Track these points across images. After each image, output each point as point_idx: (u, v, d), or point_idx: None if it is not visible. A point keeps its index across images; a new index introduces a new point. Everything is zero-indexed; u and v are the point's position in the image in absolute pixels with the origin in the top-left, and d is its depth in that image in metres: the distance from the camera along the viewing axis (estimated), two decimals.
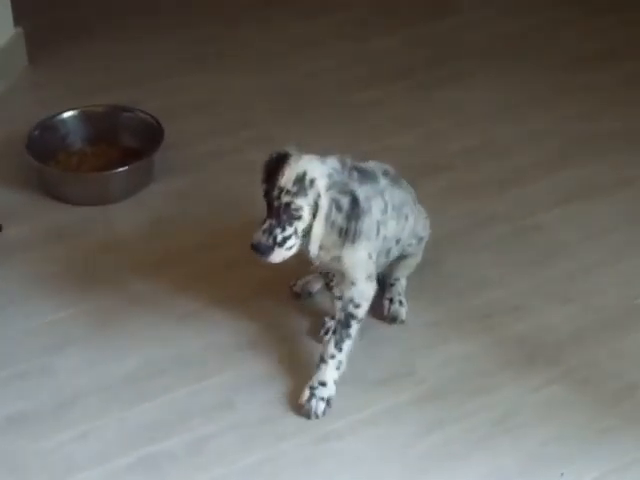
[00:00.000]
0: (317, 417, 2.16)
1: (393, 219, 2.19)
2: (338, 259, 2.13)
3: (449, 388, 2.24)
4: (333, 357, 2.19)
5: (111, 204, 2.79)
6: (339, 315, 2.21)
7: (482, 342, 2.35)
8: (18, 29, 3.35)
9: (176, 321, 2.41)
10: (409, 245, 2.35)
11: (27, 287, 2.51)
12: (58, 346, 2.34)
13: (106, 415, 2.18)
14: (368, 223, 2.08)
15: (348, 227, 2.02)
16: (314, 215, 2.01)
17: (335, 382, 2.19)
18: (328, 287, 2.38)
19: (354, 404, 2.20)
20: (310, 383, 2.19)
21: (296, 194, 2.00)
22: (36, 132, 2.87)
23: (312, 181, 2.00)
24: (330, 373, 2.19)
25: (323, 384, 2.18)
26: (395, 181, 2.24)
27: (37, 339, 2.37)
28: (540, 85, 3.34)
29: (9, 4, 3.28)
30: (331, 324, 2.31)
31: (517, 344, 2.35)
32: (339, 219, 2.01)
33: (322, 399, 2.17)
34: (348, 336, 2.19)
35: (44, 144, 2.87)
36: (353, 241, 2.05)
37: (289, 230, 2.01)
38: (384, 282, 2.40)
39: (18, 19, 3.34)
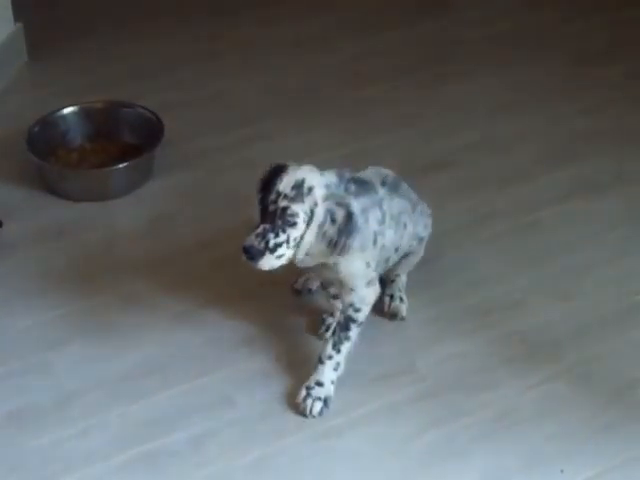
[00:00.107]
0: (313, 417, 2.16)
1: (391, 228, 2.19)
2: (327, 267, 2.12)
3: (449, 385, 2.24)
4: (331, 358, 2.19)
5: (111, 200, 2.79)
6: (339, 317, 2.21)
7: (482, 339, 2.35)
8: (18, 25, 3.34)
9: (175, 318, 2.41)
10: (410, 246, 2.36)
11: (27, 283, 2.51)
12: (57, 343, 2.34)
13: (105, 412, 2.18)
14: (362, 236, 2.08)
15: (338, 240, 2.02)
16: (307, 225, 2.01)
17: (333, 382, 2.19)
18: (323, 286, 2.38)
19: (353, 401, 2.20)
20: (307, 383, 2.19)
21: (293, 199, 2.00)
22: (36, 128, 2.87)
23: (310, 189, 2.01)
24: (327, 374, 2.19)
25: (320, 384, 2.18)
26: (394, 189, 2.24)
27: (37, 335, 2.37)
28: (540, 82, 3.33)
29: (9, 0, 3.28)
30: (331, 321, 2.31)
31: (517, 341, 2.35)
32: (331, 231, 2.01)
33: (319, 399, 2.17)
34: (347, 338, 2.19)
35: (44, 140, 2.86)
36: (340, 254, 2.05)
37: (282, 237, 2.01)
38: (384, 278, 2.40)
39: (18, 15, 3.33)
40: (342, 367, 2.20)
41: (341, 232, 2.02)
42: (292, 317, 2.42)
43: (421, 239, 2.39)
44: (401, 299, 2.41)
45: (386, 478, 2.06)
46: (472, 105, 3.22)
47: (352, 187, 2.08)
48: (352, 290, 2.16)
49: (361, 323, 2.20)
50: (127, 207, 2.78)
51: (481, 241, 2.64)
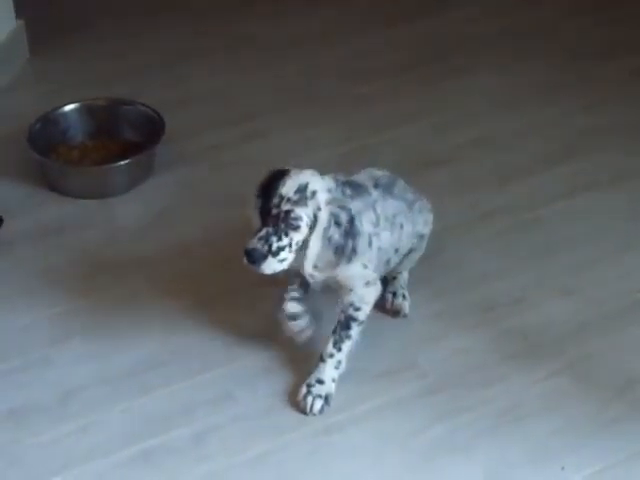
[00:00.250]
0: (314, 414, 2.16)
1: (387, 230, 2.19)
2: (332, 277, 2.13)
3: (451, 380, 2.24)
4: (332, 356, 2.19)
5: (111, 197, 2.79)
6: (339, 316, 2.20)
7: (484, 335, 2.35)
8: (19, 22, 3.34)
9: (177, 314, 2.41)
10: (411, 244, 2.35)
11: (27, 280, 2.51)
12: (58, 339, 2.34)
13: (107, 408, 2.18)
14: (361, 239, 2.09)
15: (345, 244, 2.03)
16: (310, 229, 2.02)
17: (334, 380, 2.19)
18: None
19: (356, 397, 2.20)
20: (308, 380, 2.19)
21: (297, 203, 2.01)
22: (37, 125, 2.87)
23: (314, 193, 2.01)
24: (328, 372, 2.19)
25: (320, 382, 2.18)
26: (387, 190, 2.24)
27: (38, 332, 2.36)
28: (541, 79, 3.33)
29: None
30: (294, 291, 2.25)
31: (519, 337, 2.35)
32: (336, 235, 2.02)
33: (319, 396, 2.16)
34: (348, 337, 2.19)
35: (45, 137, 2.86)
36: (349, 259, 2.06)
37: (285, 240, 2.01)
38: (386, 276, 2.39)
39: (19, 12, 3.33)
40: (344, 365, 2.20)
41: (347, 234, 2.03)
42: None
43: (422, 236, 2.38)
44: (404, 296, 2.41)
45: (389, 473, 2.06)
46: (472, 102, 3.21)
47: (347, 190, 2.09)
48: (351, 290, 2.16)
49: (362, 322, 2.19)
50: (128, 204, 2.78)
51: (482, 237, 2.64)
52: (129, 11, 3.71)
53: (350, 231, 2.04)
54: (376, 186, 2.22)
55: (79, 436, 2.12)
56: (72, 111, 2.96)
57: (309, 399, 2.16)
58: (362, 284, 2.16)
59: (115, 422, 2.15)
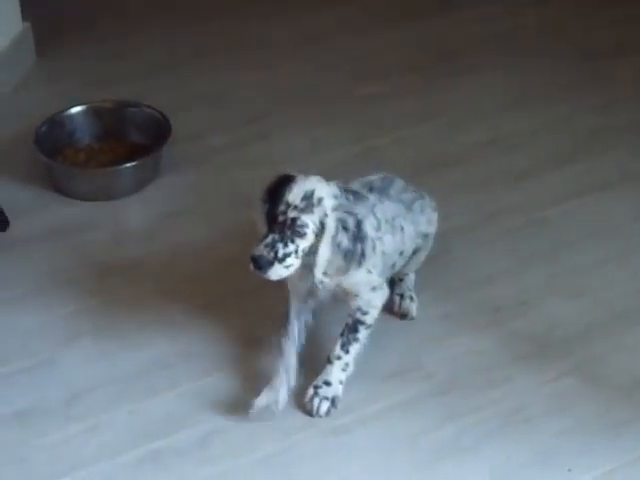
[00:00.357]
0: (320, 416, 2.15)
1: (388, 233, 2.19)
2: (340, 285, 2.14)
3: (459, 382, 2.23)
4: (339, 358, 2.18)
5: (118, 199, 2.79)
6: (347, 319, 2.20)
7: (491, 336, 2.34)
8: (26, 24, 3.34)
9: (184, 316, 2.40)
10: (416, 244, 2.34)
11: (34, 282, 2.51)
12: (65, 341, 2.34)
13: (114, 409, 2.18)
14: (367, 244, 2.09)
15: (354, 249, 2.03)
16: (317, 236, 2.02)
17: (341, 383, 2.18)
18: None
19: (363, 398, 2.19)
20: (315, 382, 2.18)
21: (303, 210, 2.01)
22: (44, 128, 2.87)
23: (320, 200, 2.02)
24: (335, 374, 2.18)
25: (327, 384, 2.17)
26: (383, 192, 2.24)
27: (45, 333, 2.37)
28: (550, 78, 3.32)
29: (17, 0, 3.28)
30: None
31: (526, 338, 2.34)
32: (345, 240, 2.02)
33: (326, 398, 2.16)
34: (356, 340, 2.19)
35: (52, 140, 2.86)
36: (359, 264, 2.06)
37: (291, 247, 2.02)
38: (393, 278, 2.39)
39: (26, 14, 3.33)
40: (351, 368, 2.19)
41: (355, 239, 2.03)
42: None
43: (426, 235, 2.37)
44: (411, 298, 2.40)
45: (396, 474, 2.05)
46: (480, 102, 3.20)
47: (350, 196, 2.10)
48: (356, 296, 2.17)
49: (370, 326, 2.19)
50: (134, 206, 2.78)
51: (490, 238, 2.63)
52: (135, 13, 3.70)
53: (358, 235, 2.04)
54: (371, 190, 2.23)
55: (87, 437, 2.12)
56: (79, 113, 2.96)
57: (316, 401, 2.16)
58: (368, 289, 2.16)
59: (122, 423, 2.15)
